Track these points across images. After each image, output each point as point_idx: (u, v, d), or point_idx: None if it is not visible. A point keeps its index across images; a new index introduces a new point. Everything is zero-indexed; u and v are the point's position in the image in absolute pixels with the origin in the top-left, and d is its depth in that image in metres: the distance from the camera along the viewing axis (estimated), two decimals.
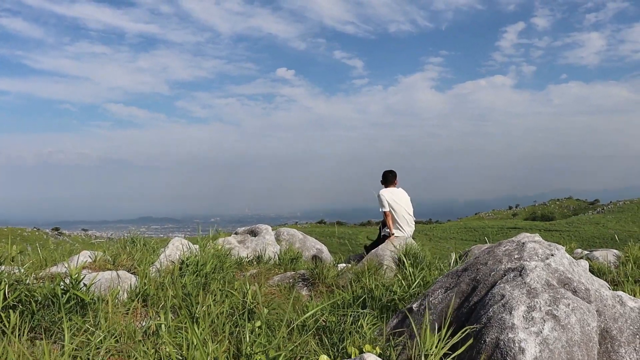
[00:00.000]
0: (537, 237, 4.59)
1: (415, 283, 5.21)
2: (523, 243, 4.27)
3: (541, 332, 3.08)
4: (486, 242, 10.82)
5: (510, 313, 3.26)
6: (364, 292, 5.19)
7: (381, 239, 11.62)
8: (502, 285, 3.68)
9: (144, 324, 4.25)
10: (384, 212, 11.33)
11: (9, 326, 3.82)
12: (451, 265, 6.34)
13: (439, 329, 3.67)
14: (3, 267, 4.45)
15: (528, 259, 3.96)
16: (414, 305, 4.27)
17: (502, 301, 3.43)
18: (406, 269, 5.69)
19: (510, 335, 3.09)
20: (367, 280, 5.49)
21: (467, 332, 3.38)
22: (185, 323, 3.63)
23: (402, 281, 5.27)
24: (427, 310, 4.03)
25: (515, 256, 4.09)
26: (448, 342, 3.33)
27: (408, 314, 4.20)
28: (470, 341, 3.30)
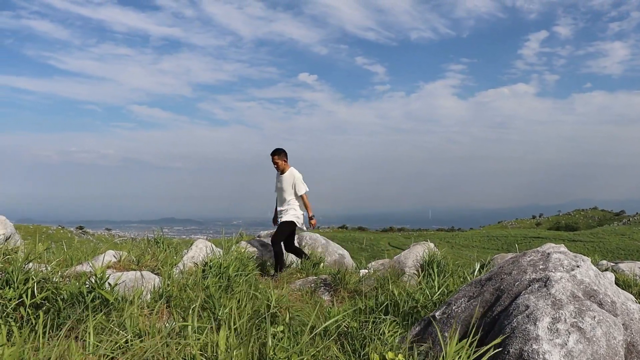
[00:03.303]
0: (563, 248, 4.54)
1: (439, 291, 5.18)
2: (548, 253, 4.23)
3: (566, 344, 3.05)
4: (509, 252, 10.72)
5: (535, 324, 3.23)
6: (387, 298, 5.18)
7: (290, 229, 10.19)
8: (526, 295, 3.65)
9: (167, 324, 4.29)
10: (304, 195, 10.15)
11: (36, 323, 3.87)
12: (475, 274, 6.29)
13: (462, 338, 3.66)
14: (31, 264, 4.51)
15: (553, 270, 3.93)
16: (437, 313, 4.25)
17: (526, 312, 3.41)
18: (430, 277, 5.67)
19: (534, 346, 3.06)
20: (390, 287, 5.47)
21: (491, 342, 3.35)
22: (210, 325, 3.66)
23: (426, 289, 5.24)
24: (450, 318, 4.01)
25: (540, 267, 4.05)
26: (472, 351, 3.31)
27: (431, 321, 4.18)
28: (494, 351, 3.28)
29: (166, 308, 4.97)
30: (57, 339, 3.25)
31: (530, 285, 3.81)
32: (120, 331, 3.60)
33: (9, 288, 4.06)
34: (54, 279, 4.50)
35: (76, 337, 3.86)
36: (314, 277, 8.33)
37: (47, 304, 4.22)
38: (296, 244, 10.89)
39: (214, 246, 7.76)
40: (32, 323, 3.97)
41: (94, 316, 4.05)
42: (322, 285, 7.74)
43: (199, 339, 3.40)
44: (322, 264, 9.65)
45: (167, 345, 3.23)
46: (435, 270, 5.95)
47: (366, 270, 9.38)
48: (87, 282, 4.42)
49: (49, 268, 4.71)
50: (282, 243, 9.84)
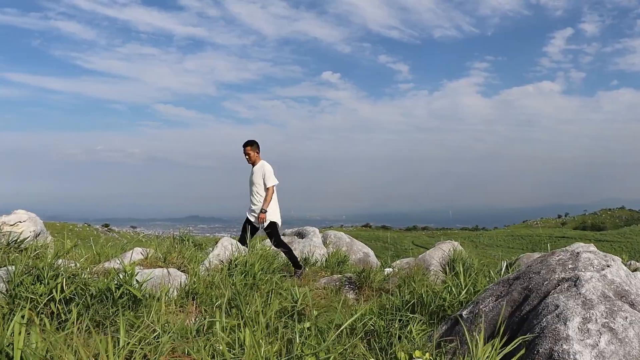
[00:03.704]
0: (592, 247, 4.49)
1: (465, 290, 5.15)
2: (577, 253, 4.18)
3: (597, 344, 3.01)
4: (534, 251, 10.61)
5: (565, 324, 3.19)
6: (413, 297, 5.15)
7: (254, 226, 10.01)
8: (555, 295, 3.61)
9: (194, 321, 4.31)
10: (271, 188, 9.87)
11: (66, 318, 3.92)
12: (502, 273, 6.25)
13: (490, 337, 3.63)
14: (60, 260, 4.57)
15: (583, 270, 3.88)
16: (464, 313, 4.22)
17: (556, 311, 3.37)
18: (456, 276, 5.63)
19: (564, 346, 3.03)
20: (416, 286, 5.46)
21: (519, 341, 3.32)
22: (237, 322, 3.67)
23: (452, 287, 5.21)
24: (477, 317, 3.98)
25: (570, 266, 4.00)
26: (500, 351, 3.28)
27: (458, 320, 4.16)
28: (523, 351, 3.25)
29: (193, 305, 5.00)
30: (88, 334, 3.29)
31: (559, 285, 3.77)
32: (150, 327, 3.62)
33: (40, 283, 4.12)
34: (83, 275, 4.56)
35: (105, 333, 3.90)
36: (339, 276, 8.34)
37: (77, 299, 4.27)
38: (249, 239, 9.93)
39: (239, 244, 7.80)
40: (62, 318, 4.02)
41: (122, 312, 4.09)
42: (347, 283, 7.75)
43: (226, 336, 3.41)
44: (346, 263, 9.65)
45: (196, 342, 3.25)
46: (461, 269, 5.90)
47: (391, 269, 9.37)
48: (115, 279, 4.47)
49: (77, 265, 4.77)
50: (283, 241, 9.79)
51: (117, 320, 3.97)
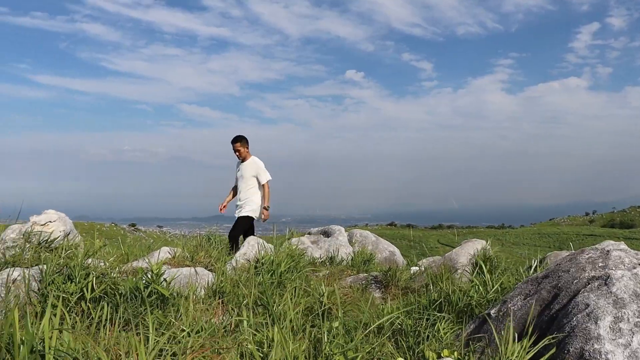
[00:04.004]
0: (623, 245, 4.41)
1: (494, 289, 5.11)
2: (608, 251, 4.12)
3: (630, 344, 2.97)
4: (561, 249, 10.47)
5: (596, 323, 3.15)
6: (440, 296, 5.13)
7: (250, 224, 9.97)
8: (585, 294, 3.57)
9: (222, 320, 4.34)
10: (267, 184, 9.87)
11: (96, 317, 3.97)
12: (531, 272, 6.18)
13: (519, 336, 3.60)
14: (90, 260, 4.63)
15: (614, 268, 3.82)
16: (492, 311, 4.19)
17: (586, 310, 3.33)
18: (483, 274, 5.59)
19: (596, 346, 2.99)
20: (444, 284, 5.42)
21: (549, 340, 3.29)
22: (264, 321, 3.69)
23: (479, 286, 5.17)
24: (506, 316, 3.95)
25: (600, 264, 3.95)
26: (530, 350, 3.25)
27: (486, 319, 4.13)
28: (553, 350, 3.22)
29: (220, 304, 5.03)
30: (118, 332, 3.33)
31: (589, 284, 3.72)
32: (178, 326, 3.66)
33: (71, 282, 4.18)
34: (112, 274, 4.61)
35: (134, 331, 3.94)
36: (365, 274, 8.31)
37: (106, 298, 4.32)
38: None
39: (265, 243, 7.82)
40: (92, 316, 4.07)
41: (151, 311, 4.13)
42: (372, 282, 7.72)
43: (254, 335, 3.43)
44: (372, 261, 9.62)
45: (225, 340, 3.27)
46: (489, 267, 5.85)
47: (417, 268, 9.32)
48: (144, 278, 4.51)
49: (107, 264, 4.82)
50: (240, 237, 9.65)
51: (146, 319, 4.01)
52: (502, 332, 3.74)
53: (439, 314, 4.65)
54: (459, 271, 8.29)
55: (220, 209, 10.34)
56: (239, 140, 9.88)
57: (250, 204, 9.89)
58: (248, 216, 9.83)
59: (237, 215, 9.95)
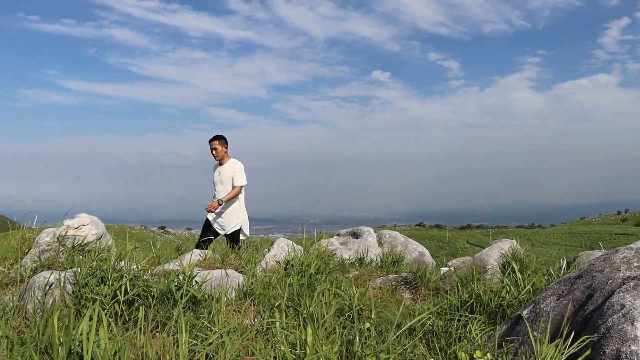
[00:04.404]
0: None
1: (525, 289, 5.06)
2: None
3: None
4: (593, 249, 10.31)
5: (633, 324, 3.10)
6: (471, 296, 5.09)
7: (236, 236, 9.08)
8: (621, 294, 3.51)
9: (253, 322, 4.36)
10: (239, 187, 8.97)
11: (129, 319, 4.03)
12: (562, 271, 6.11)
13: (552, 337, 3.56)
14: (123, 262, 4.69)
15: None
16: (525, 312, 4.15)
17: (622, 311, 3.28)
18: (514, 275, 5.54)
19: (633, 347, 2.95)
20: (475, 285, 5.39)
21: (584, 341, 3.25)
22: (296, 322, 3.70)
23: (511, 286, 5.13)
24: (539, 317, 3.91)
25: (635, 264, 3.89)
26: (564, 351, 3.22)
27: (518, 320, 4.09)
28: (588, 352, 3.18)
29: (251, 305, 5.06)
30: (151, 334, 3.37)
31: (624, 284, 3.67)
32: (211, 328, 3.69)
33: (104, 285, 4.24)
34: (145, 276, 4.66)
35: (167, 333, 3.99)
36: (395, 275, 8.29)
37: (139, 300, 4.37)
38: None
39: (295, 245, 7.84)
40: (125, 318, 4.12)
41: (183, 313, 4.17)
42: (402, 283, 7.70)
43: (287, 336, 3.44)
44: (402, 262, 9.59)
45: (258, 342, 3.29)
46: (520, 268, 5.80)
47: (447, 268, 9.26)
48: (175, 280, 4.56)
49: (139, 266, 4.88)
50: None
51: (178, 321, 4.05)
52: (535, 332, 3.71)
53: (470, 315, 4.62)
54: (489, 272, 8.23)
55: (209, 211, 9.03)
56: (217, 139, 9.05)
57: (234, 217, 9.08)
58: (238, 230, 9.06)
59: (219, 231, 9.05)
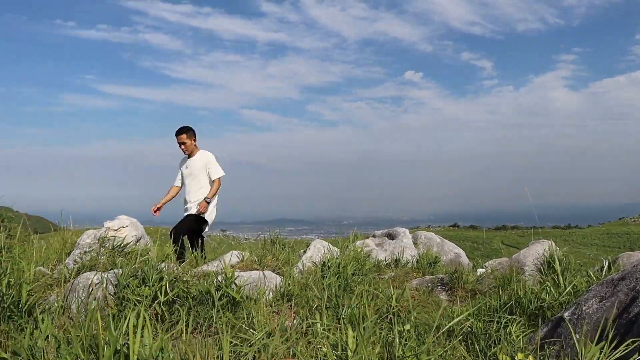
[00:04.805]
0: None
1: (566, 291, 4.99)
2: None
3: None
4: (632, 250, 10.09)
5: None
6: (510, 298, 5.04)
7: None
8: None
9: (291, 323, 4.38)
10: (218, 180, 8.45)
11: (169, 319, 4.08)
12: (603, 273, 6.00)
13: (595, 340, 3.51)
14: (163, 264, 4.76)
15: None
16: (566, 314, 4.09)
17: None
18: (554, 276, 5.47)
19: None
20: (514, 287, 5.33)
21: (630, 345, 3.20)
22: (334, 324, 3.71)
23: (551, 288, 5.06)
24: (580, 319, 3.86)
25: None
26: (610, 354, 3.17)
27: (560, 322, 4.04)
28: (636, 356, 3.12)
29: (288, 307, 5.08)
30: (193, 335, 3.41)
31: None
32: (250, 329, 3.71)
33: (145, 286, 4.30)
34: (184, 278, 4.72)
35: (207, 334, 4.03)
36: (431, 277, 8.25)
37: (179, 301, 4.43)
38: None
39: (331, 246, 7.86)
40: (165, 319, 4.18)
41: (222, 314, 4.22)
42: (439, 284, 7.66)
43: (327, 338, 3.45)
44: (438, 263, 9.54)
45: (299, 343, 3.30)
46: (559, 269, 5.71)
47: (483, 270, 9.19)
48: (214, 281, 4.60)
49: (179, 268, 4.95)
50: (184, 239, 8.15)
51: (218, 322, 4.10)
52: (577, 335, 3.65)
53: (510, 317, 4.57)
54: (526, 273, 8.14)
55: (154, 211, 8.48)
56: (184, 132, 8.45)
57: (213, 210, 8.57)
58: (201, 217, 8.39)
59: (191, 212, 8.44)
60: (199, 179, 8.44)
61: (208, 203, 8.22)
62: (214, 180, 8.40)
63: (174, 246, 7.37)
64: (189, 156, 8.57)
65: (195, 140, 8.51)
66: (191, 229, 8.28)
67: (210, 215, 8.47)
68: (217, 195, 8.52)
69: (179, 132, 8.40)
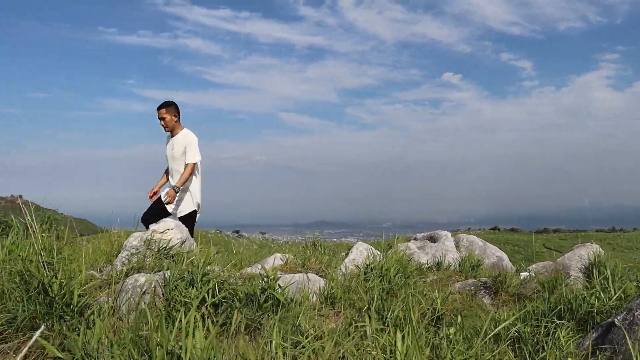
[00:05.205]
0: None
1: (616, 295, 4.90)
2: None
3: None
4: None
5: None
6: (558, 302, 4.96)
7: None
8: None
9: (336, 325, 4.39)
10: (191, 165, 7.76)
11: (216, 321, 4.13)
12: None
13: None
14: (209, 266, 4.81)
15: None
16: (617, 319, 4.01)
17: None
18: (602, 280, 5.37)
19: None
20: (564, 291, 5.25)
21: None
22: (379, 327, 3.70)
23: (600, 293, 4.97)
24: (633, 325, 3.78)
25: None
26: None
27: (610, 328, 3.97)
28: None
29: (332, 309, 5.09)
30: (240, 337, 3.44)
31: None
32: (299, 332, 3.74)
33: (192, 288, 4.35)
34: (230, 280, 4.77)
35: (254, 336, 4.07)
36: (474, 280, 8.18)
37: (225, 303, 4.47)
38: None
39: (373, 249, 7.84)
40: (212, 320, 4.22)
41: (268, 316, 4.25)
42: (482, 288, 7.59)
43: (376, 341, 3.45)
44: (480, 267, 9.45)
45: (349, 346, 3.31)
46: (608, 273, 5.61)
47: (527, 273, 9.06)
48: (259, 284, 4.63)
49: (224, 270, 5.00)
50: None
51: (263, 324, 4.14)
52: (629, 341, 3.59)
53: (558, 321, 4.51)
54: (571, 277, 8.01)
55: (150, 196, 8.08)
56: (165, 106, 7.87)
57: (187, 196, 7.98)
58: (191, 213, 7.97)
59: (171, 211, 7.95)
60: (180, 162, 7.92)
61: (176, 192, 7.72)
62: (187, 165, 7.78)
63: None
64: (172, 134, 8.06)
65: (176, 116, 7.94)
66: (190, 227, 7.76)
67: (193, 204, 8.00)
68: (197, 180, 8.04)
69: (159, 107, 7.88)
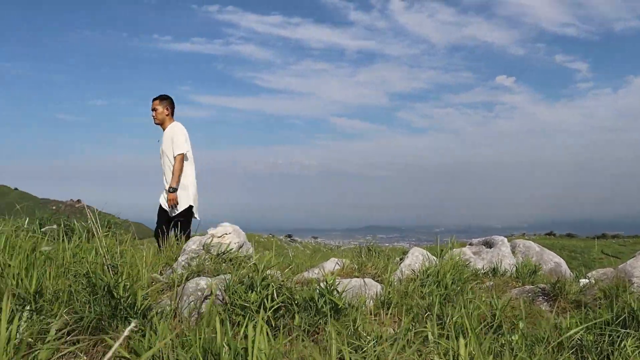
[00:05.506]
0: None
1: None
2: None
3: None
4: None
5: None
6: (623, 311, 4.84)
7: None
8: None
9: (396, 331, 4.39)
10: (179, 157, 7.36)
11: (276, 326, 4.18)
12: None
13: None
14: (268, 271, 4.87)
15: None
16: None
17: None
18: None
19: None
20: (630, 299, 5.11)
21: None
22: (442, 333, 3.69)
23: None
24: None
25: None
26: None
27: None
28: None
29: (388, 315, 5.08)
30: (301, 342, 3.48)
31: None
32: (357, 336, 3.75)
33: (252, 292, 4.42)
34: (288, 284, 4.81)
35: (313, 341, 4.10)
36: (531, 286, 8.04)
37: (284, 308, 4.52)
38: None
39: (429, 254, 7.79)
40: (272, 325, 4.27)
41: (326, 321, 4.28)
42: (540, 294, 7.45)
43: (438, 346, 3.44)
44: (538, 273, 9.28)
45: (410, 351, 3.31)
46: None
47: (586, 280, 8.85)
48: (317, 288, 4.67)
49: (283, 275, 5.05)
50: (163, 228, 7.46)
51: (321, 329, 4.16)
52: None
53: (624, 330, 4.39)
54: (634, 285, 7.79)
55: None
56: (160, 99, 7.66)
57: (182, 194, 7.57)
58: (187, 209, 7.62)
59: (163, 206, 7.67)
60: (168, 156, 7.59)
61: (174, 191, 7.44)
62: (175, 158, 7.42)
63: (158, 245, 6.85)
64: (162, 129, 7.81)
65: (169, 110, 7.73)
66: (186, 226, 7.57)
67: (188, 199, 7.65)
68: (187, 174, 7.66)
69: (154, 98, 7.72)
